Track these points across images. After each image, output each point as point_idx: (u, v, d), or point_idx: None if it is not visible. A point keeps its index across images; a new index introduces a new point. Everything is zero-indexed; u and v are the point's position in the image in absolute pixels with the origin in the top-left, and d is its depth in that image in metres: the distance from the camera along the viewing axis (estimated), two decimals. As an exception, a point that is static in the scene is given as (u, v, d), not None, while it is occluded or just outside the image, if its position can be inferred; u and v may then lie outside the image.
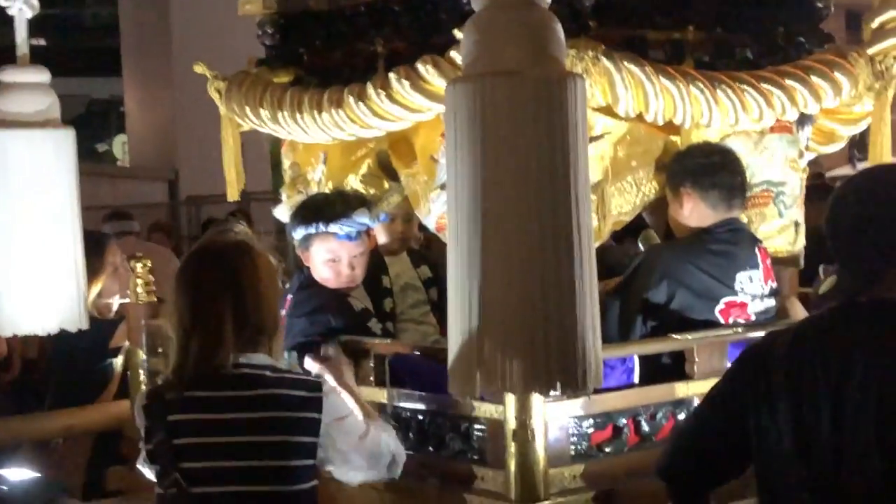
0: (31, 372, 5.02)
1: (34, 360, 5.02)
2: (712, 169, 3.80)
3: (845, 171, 11.78)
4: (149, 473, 3.03)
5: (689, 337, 3.54)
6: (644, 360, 3.61)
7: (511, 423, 3.16)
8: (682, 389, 3.49)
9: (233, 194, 4.55)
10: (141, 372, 4.36)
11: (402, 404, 3.53)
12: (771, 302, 3.87)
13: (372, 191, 4.22)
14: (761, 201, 4.03)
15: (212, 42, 12.24)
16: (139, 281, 4.34)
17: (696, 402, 3.46)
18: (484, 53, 2.53)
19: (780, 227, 4.10)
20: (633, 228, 4.26)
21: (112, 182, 14.59)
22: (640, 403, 3.44)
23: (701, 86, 3.63)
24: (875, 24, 4.03)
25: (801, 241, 4.16)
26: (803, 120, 4.08)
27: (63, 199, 3.62)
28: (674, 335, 3.55)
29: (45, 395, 4.90)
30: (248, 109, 4.18)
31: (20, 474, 4.28)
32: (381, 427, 3.13)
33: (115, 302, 5.02)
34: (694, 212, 3.85)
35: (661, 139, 3.88)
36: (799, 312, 4.13)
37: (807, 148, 4.21)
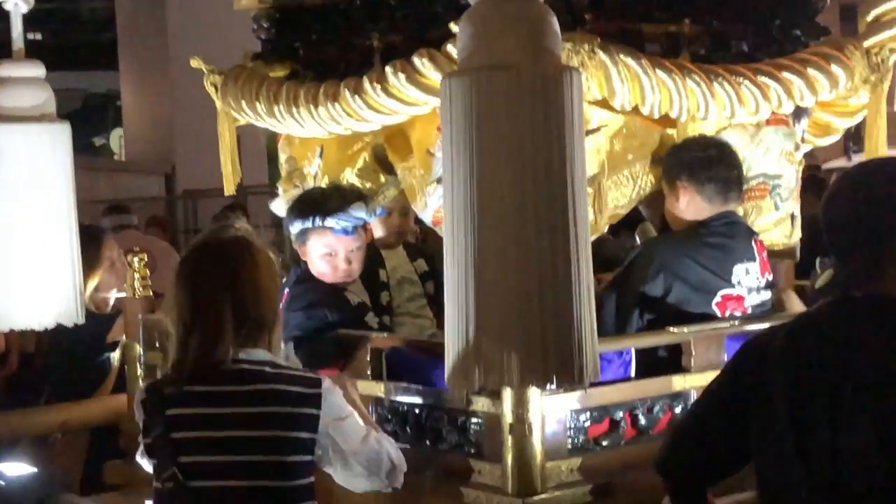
0: (29, 366, 5.01)
1: (32, 354, 5.02)
2: (708, 162, 3.80)
3: (841, 163, 11.79)
4: (147, 467, 3.04)
5: (686, 330, 3.55)
6: (641, 353, 3.61)
7: (508, 417, 3.16)
8: (679, 383, 3.50)
9: (229, 188, 4.55)
10: (138, 366, 4.36)
11: (399, 398, 3.53)
12: (767, 294, 3.88)
13: (368, 185, 4.22)
14: (757, 194, 4.03)
15: (208, 36, 12.24)
16: (136, 275, 4.34)
17: (693, 395, 3.47)
18: (480, 47, 2.52)
19: (777, 220, 4.09)
20: (629, 221, 4.26)
21: (109, 176, 14.60)
22: (637, 397, 3.45)
23: (697, 79, 3.63)
24: (871, 16, 4.03)
25: (798, 234, 4.16)
26: (799, 112, 4.08)
27: (59, 194, 3.61)
28: (670, 328, 3.55)
29: (43, 390, 4.90)
30: (244, 104, 4.17)
31: (18, 469, 4.27)
32: (382, 435, 3.14)
33: (112, 296, 5.02)
34: (690, 205, 3.85)
35: (658, 132, 3.88)
36: (795, 305, 4.14)
37: (803, 140, 4.22)
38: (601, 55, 3.48)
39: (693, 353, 3.52)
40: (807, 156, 4.39)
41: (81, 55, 23.59)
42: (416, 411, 3.50)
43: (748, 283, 3.80)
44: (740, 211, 3.95)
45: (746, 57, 3.88)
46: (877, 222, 2.41)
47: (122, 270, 4.78)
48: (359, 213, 3.93)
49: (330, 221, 3.89)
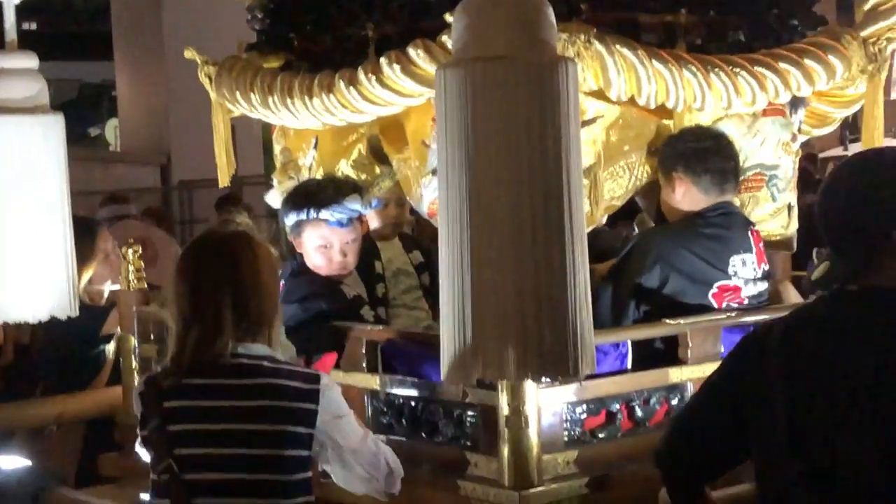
0: (25, 358, 5.00)
1: (27, 346, 5.00)
2: (704, 153, 3.79)
3: (837, 152, 11.80)
4: (147, 457, 3.04)
5: (683, 322, 3.54)
6: (637, 345, 3.60)
7: (504, 410, 3.15)
8: (675, 374, 3.49)
9: (223, 180, 4.54)
10: (133, 359, 4.35)
11: (395, 391, 3.52)
12: (764, 285, 3.87)
13: (364, 176, 4.21)
14: (754, 185, 4.03)
15: (204, 26, 12.21)
16: (130, 267, 4.33)
17: (690, 387, 3.47)
18: (474, 38, 2.51)
19: (774, 211, 4.09)
20: (626, 212, 4.25)
21: (104, 167, 14.56)
22: (634, 389, 3.44)
23: (694, 69, 3.62)
24: (868, 5, 4.03)
25: (795, 225, 4.15)
26: (796, 103, 4.07)
27: (52, 186, 3.60)
28: (667, 320, 3.54)
29: (38, 382, 4.89)
30: (238, 95, 4.16)
31: (12, 462, 4.27)
32: (379, 441, 3.14)
33: (107, 288, 5.01)
34: (686, 196, 3.84)
35: (654, 123, 3.87)
36: (792, 296, 4.13)
37: (800, 131, 4.20)
38: (597, 45, 3.47)
39: (689, 344, 3.50)
40: (803, 145, 4.38)
41: (76, 45, 23.56)
42: (412, 404, 3.49)
43: (745, 273, 3.79)
44: (737, 202, 3.94)
45: (743, 47, 3.86)
46: (874, 213, 2.39)
47: (117, 262, 4.77)
48: (354, 205, 3.92)
49: (325, 213, 3.88)
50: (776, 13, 4.00)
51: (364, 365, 3.59)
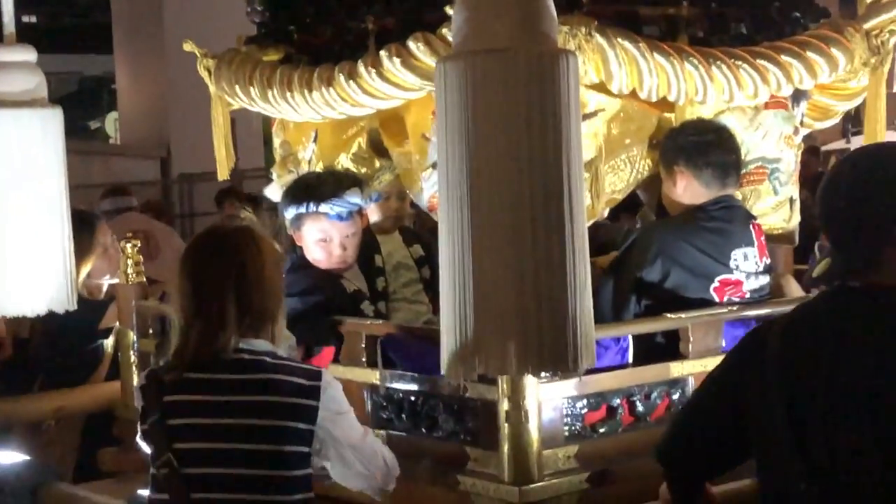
0: (24, 352, 4.99)
1: (25, 340, 5.00)
2: (706, 147, 3.77)
3: (840, 145, 11.80)
4: (147, 450, 3.03)
5: (684, 316, 3.52)
6: (638, 339, 3.59)
7: (504, 405, 3.14)
8: (676, 369, 3.48)
9: (222, 173, 4.53)
10: (131, 353, 4.35)
11: (395, 385, 3.51)
12: (766, 279, 3.85)
13: (363, 170, 4.19)
14: (756, 178, 4.01)
15: (204, 19, 12.20)
16: (129, 261, 4.32)
17: (691, 381, 3.46)
18: (474, 30, 2.49)
19: (776, 204, 4.08)
20: (627, 205, 4.24)
21: (104, 160, 14.56)
22: (635, 383, 3.43)
23: (695, 62, 3.60)
24: (871, -2, 4.01)
25: (797, 218, 4.14)
26: (798, 95, 4.05)
27: (51, 179, 3.58)
28: (668, 314, 3.53)
29: (36, 376, 4.89)
30: (237, 88, 4.15)
31: (10, 457, 4.26)
32: (377, 439, 3.14)
33: (105, 282, 5.00)
34: (687, 190, 3.82)
35: (655, 116, 3.86)
36: (794, 290, 4.12)
37: (802, 124, 4.19)
38: (598, 38, 3.45)
39: (691, 339, 3.50)
40: (805, 138, 4.36)
41: (77, 38, 23.56)
42: (412, 399, 3.48)
43: (746, 267, 3.78)
44: (738, 195, 3.93)
45: (745, 40, 3.85)
46: (877, 209, 2.37)
47: (116, 256, 4.76)
48: (353, 198, 3.91)
49: (324, 207, 3.88)
50: (778, 5, 3.99)
51: (364, 360, 3.58)
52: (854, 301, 2.39)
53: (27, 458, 4.22)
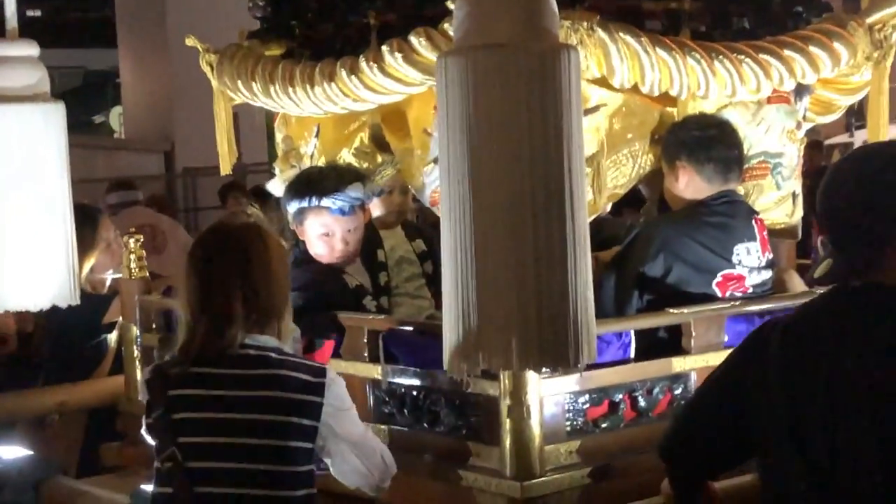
0: (26, 347, 5.00)
1: (29, 335, 5.01)
2: (708, 142, 3.77)
3: (843, 139, 11.78)
4: (152, 444, 3.04)
5: (686, 311, 3.52)
6: (640, 334, 3.58)
7: (506, 400, 3.14)
8: (679, 364, 3.47)
9: (225, 168, 4.53)
10: (135, 348, 4.35)
11: (397, 380, 3.51)
12: (768, 274, 3.85)
13: (365, 164, 4.20)
14: (759, 173, 4.01)
15: (208, 13, 12.20)
16: (132, 256, 4.32)
17: (694, 376, 3.45)
18: (475, 25, 2.49)
19: (778, 199, 4.07)
20: (630, 200, 4.23)
21: (107, 154, 14.57)
22: (637, 379, 3.42)
23: (698, 56, 3.60)
24: (874, -8, 4.00)
25: (799, 213, 4.14)
26: (801, 90, 4.05)
27: (53, 174, 3.58)
28: (670, 309, 3.53)
29: (40, 371, 4.90)
30: (239, 83, 4.14)
31: (14, 451, 4.27)
32: (376, 437, 3.15)
33: (109, 277, 5.00)
34: (689, 185, 3.82)
35: (657, 111, 3.85)
36: (797, 285, 4.11)
37: (804, 118, 4.18)
38: (600, 33, 3.45)
39: (693, 334, 3.49)
40: (809, 132, 4.36)
41: (81, 32, 23.56)
42: (414, 394, 3.48)
43: (749, 262, 3.77)
44: (741, 190, 3.92)
45: (748, 34, 3.84)
46: (878, 210, 2.36)
47: (119, 251, 4.76)
48: (356, 193, 3.91)
49: (326, 201, 3.88)
50: (781, 0, 3.98)
51: (366, 355, 3.58)
52: (855, 301, 2.38)
53: (30, 452, 4.23)
